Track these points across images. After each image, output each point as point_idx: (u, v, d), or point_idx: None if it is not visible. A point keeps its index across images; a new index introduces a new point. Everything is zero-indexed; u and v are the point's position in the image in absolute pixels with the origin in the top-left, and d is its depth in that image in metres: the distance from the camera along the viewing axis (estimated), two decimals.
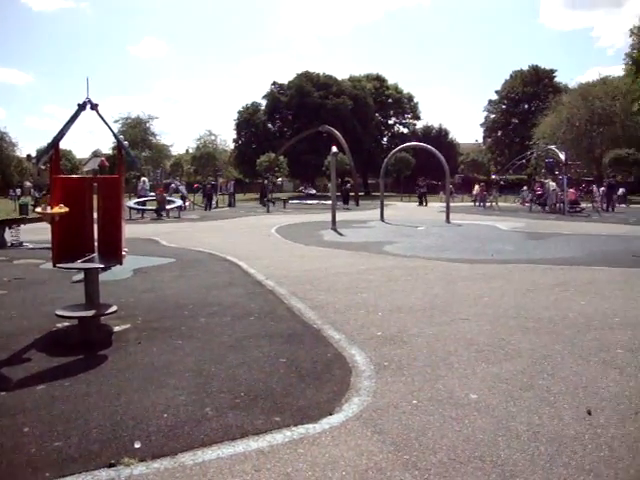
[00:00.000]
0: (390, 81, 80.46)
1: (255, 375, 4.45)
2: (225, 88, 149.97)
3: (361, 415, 3.71)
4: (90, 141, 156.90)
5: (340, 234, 17.10)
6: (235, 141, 73.03)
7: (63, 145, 6.09)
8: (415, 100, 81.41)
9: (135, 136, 59.00)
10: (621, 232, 17.49)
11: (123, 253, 5.98)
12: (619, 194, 37.66)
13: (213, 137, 70.76)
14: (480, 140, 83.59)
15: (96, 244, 6.12)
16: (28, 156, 66.89)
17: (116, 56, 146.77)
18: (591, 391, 4.10)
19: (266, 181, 40.16)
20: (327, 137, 39.21)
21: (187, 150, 76.94)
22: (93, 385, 4.23)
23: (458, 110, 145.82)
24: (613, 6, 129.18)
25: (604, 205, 30.19)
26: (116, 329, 5.83)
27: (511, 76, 77.85)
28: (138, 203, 27.19)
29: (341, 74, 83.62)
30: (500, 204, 35.39)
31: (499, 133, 77.61)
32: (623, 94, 49.40)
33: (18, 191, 40.00)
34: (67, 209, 5.60)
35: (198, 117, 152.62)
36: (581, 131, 50.75)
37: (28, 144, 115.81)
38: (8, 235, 13.53)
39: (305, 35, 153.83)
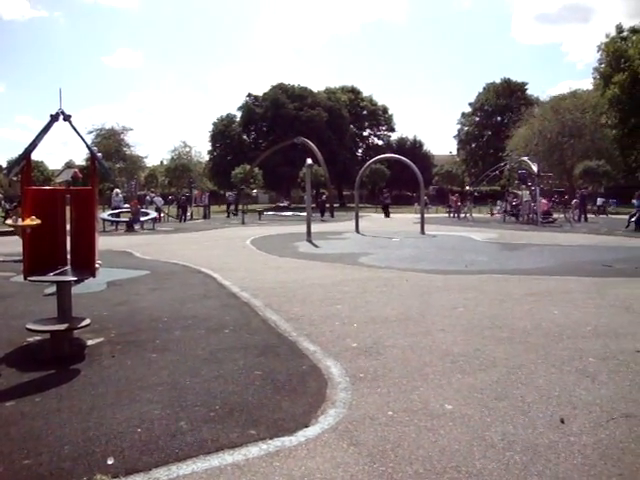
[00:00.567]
0: (365, 93, 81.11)
1: (230, 388, 4.42)
2: (200, 100, 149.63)
3: (337, 427, 3.71)
4: (63, 152, 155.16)
5: (315, 245, 17.11)
6: (210, 152, 72.76)
7: (35, 156, 6.06)
8: (390, 112, 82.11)
9: (109, 147, 58.30)
10: (592, 242, 17.75)
11: (97, 265, 5.91)
12: (598, 204, 38.43)
13: (188, 149, 70.28)
14: (454, 152, 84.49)
15: (69, 256, 6.05)
16: None
17: (90, 66, 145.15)
18: (564, 399, 4.14)
19: (228, 193, 40.46)
20: (302, 149, 39.39)
21: (162, 162, 76.40)
22: (65, 400, 4.16)
23: (432, 122, 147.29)
24: (580, 21, 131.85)
25: (576, 216, 30.63)
26: (89, 343, 5.75)
27: (484, 89, 78.90)
28: (112, 215, 26.93)
29: (316, 86, 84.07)
30: (474, 215, 35.73)
31: (473, 145, 78.42)
32: (592, 107, 50.51)
33: None
34: (39, 221, 5.52)
35: (173, 128, 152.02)
36: (552, 143, 51.60)
37: None
38: None
39: (281, 47, 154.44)
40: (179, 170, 58.31)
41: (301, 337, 5.98)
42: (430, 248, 16.25)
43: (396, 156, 32.35)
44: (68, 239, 6.06)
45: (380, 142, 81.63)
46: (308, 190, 21.48)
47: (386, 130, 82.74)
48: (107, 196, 35.34)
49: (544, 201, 29.47)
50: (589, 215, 32.25)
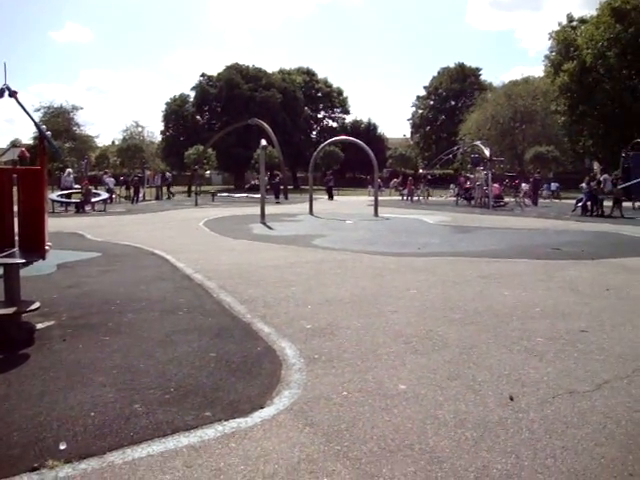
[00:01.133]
0: (320, 75, 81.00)
1: (185, 370, 4.40)
2: (153, 79, 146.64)
3: (292, 408, 3.73)
4: (9, 130, 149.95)
5: (269, 227, 17.05)
6: (163, 133, 71.60)
7: None
8: (345, 94, 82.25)
9: (58, 126, 56.83)
10: (541, 226, 18.18)
11: (46, 247, 5.78)
12: (553, 189, 39.43)
13: (140, 129, 69.11)
14: (408, 135, 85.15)
15: (17, 238, 5.89)
16: None
17: (37, 42, 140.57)
18: (513, 378, 4.26)
19: (167, 174, 39.75)
20: (256, 130, 39.07)
21: (113, 142, 74.87)
22: (14, 386, 4.07)
23: (387, 105, 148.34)
24: (532, 9, 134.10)
25: (528, 200, 31.25)
26: (39, 326, 5.62)
27: (439, 73, 79.64)
28: (61, 196, 26.26)
29: (271, 67, 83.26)
30: (430, 198, 36.13)
31: (427, 128, 79.15)
32: (543, 94, 51.49)
33: None
34: None
35: (125, 108, 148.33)
36: (505, 128, 52.57)
37: None
38: None
39: (236, 28, 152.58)
40: (131, 150, 57.30)
41: (255, 319, 5.97)
42: (383, 230, 16.39)
43: (350, 138, 32.37)
44: (16, 220, 5.89)
45: (335, 124, 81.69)
46: (262, 172, 21.34)
47: (341, 112, 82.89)
48: (56, 176, 34.47)
49: (496, 185, 30.01)
50: (542, 200, 33.01)
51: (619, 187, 26.37)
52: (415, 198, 35.66)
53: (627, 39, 42.71)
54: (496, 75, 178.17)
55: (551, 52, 53.86)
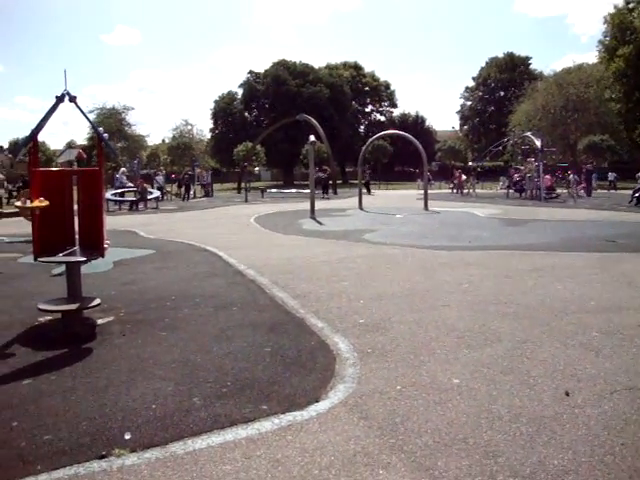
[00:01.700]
0: (367, 69, 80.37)
1: (241, 364, 4.50)
2: (201, 77, 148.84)
3: (347, 401, 3.79)
4: (64, 132, 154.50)
5: (319, 223, 17.15)
6: (212, 130, 72.38)
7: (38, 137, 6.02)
8: (392, 88, 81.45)
9: (110, 126, 58.01)
10: (595, 218, 17.77)
11: (105, 245, 5.97)
12: (610, 179, 38.32)
13: (189, 127, 70.03)
14: (457, 127, 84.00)
15: (77, 237, 6.10)
16: (0, 147, 65.71)
17: (89, 45, 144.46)
18: (569, 373, 4.22)
19: (189, 172, 37.92)
20: (304, 126, 39.15)
21: (163, 140, 76.16)
22: (80, 378, 4.25)
23: (435, 97, 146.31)
24: None
25: (580, 191, 30.50)
26: (99, 322, 5.83)
27: (487, 63, 78.22)
28: (115, 195, 26.93)
29: (318, 62, 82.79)
30: (478, 191, 35.65)
31: (476, 120, 77.92)
32: (596, 81, 50.01)
33: None
34: (47, 202, 5.57)
35: (174, 107, 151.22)
36: (556, 118, 51.20)
37: None
38: None
39: (282, 24, 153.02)
40: (181, 149, 58.18)
41: (309, 314, 6.05)
42: (434, 224, 16.30)
43: (399, 132, 32.23)
44: (76, 220, 6.11)
45: (382, 118, 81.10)
46: (311, 167, 21.45)
47: (388, 106, 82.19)
48: (109, 176, 35.30)
49: (548, 177, 29.41)
50: (598, 190, 32.14)
51: None
52: (465, 191, 35.25)
53: None
54: (547, 64, 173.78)
55: (605, 37, 52.34)
